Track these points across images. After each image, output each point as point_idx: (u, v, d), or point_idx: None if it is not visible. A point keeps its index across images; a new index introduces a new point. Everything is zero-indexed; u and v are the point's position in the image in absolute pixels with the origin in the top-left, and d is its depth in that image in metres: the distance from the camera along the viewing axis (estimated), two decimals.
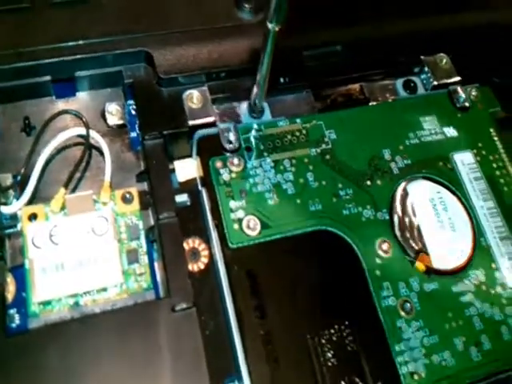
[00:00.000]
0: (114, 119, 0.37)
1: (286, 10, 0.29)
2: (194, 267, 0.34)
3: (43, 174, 0.35)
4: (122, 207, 0.34)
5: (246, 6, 0.40)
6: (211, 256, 0.35)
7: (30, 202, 0.34)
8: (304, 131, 0.38)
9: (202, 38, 0.38)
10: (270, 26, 0.30)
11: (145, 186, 0.36)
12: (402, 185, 0.37)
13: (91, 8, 0.38)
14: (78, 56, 0.36)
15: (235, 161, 0.36)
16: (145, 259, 0.34)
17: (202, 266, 0.34)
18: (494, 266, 0.37)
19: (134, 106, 0.37)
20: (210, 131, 0.37)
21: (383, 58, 0.42)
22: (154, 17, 0.38)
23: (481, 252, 0.37)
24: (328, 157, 0.37)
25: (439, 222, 0.37)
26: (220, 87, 0.38)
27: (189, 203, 0.36)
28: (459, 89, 0.42)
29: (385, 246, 0.35)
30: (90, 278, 0.32)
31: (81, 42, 0.36)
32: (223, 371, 0.32)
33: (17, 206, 0.33)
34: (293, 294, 0.33)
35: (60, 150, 0.36)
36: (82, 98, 0.38)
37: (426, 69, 0.42)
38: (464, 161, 0.39)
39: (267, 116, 0.39)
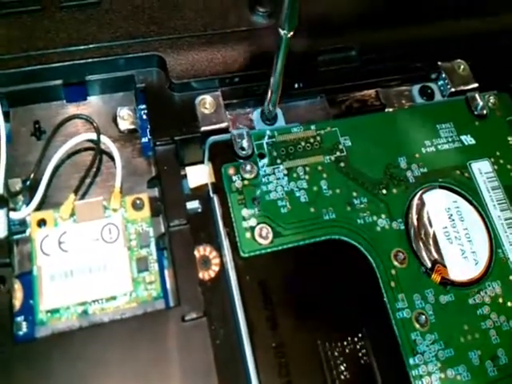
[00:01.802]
0: (125, 124, 0.37)
1: (297, 17, 0.29)
2: (204, 275, 0.34)
3: (53, 179, 0.34)
4: (132, 214, 0.34)
5: (260, 9, 0.39)
6: (222, 264, 0.34)
7: (39, 207, 0.33)
8: (318, 138, 0.37)
9: (216, 42, 0.38)
10: (282, 32, 0.30)
11: (156, 192, 0.36)
12: (418, 194, 0.37)
13: (103, 11, 0.37)
14: (90, 60, 0.36)
15: (248, 168, 0.35)
16: (155, 267, 0.33)
17: (213, 275, 0.34)
18: (511, 277, 0.36)
19: (146, 111, 0.37)
20: (222, 137, 0.36)
21: (399, 63, 0.41)
22: (166, 20, 0.38)
23: (498, 263, 0.36)
24: (342, 164, 0.36)
25: (456, 232, 0.36)
26: (233, 92, 0.38)
27: (200, 210, 0.36)
28: (477, 96, 0.41)
29: (400, 257, 0.34)
30: (99, 286, 0.32)
31: (92, 46, 0.36)
32: (234, 383, 0.31)
33: (26, 212, 0.33)
34: (305, 304, 0.33)
35: (70, 155, 0.35)
36: (94, 103, 0.38)
37: (444, 75, 0.42)
38: (482, 170, 0.39)
39: (281, 122, 0.38)
